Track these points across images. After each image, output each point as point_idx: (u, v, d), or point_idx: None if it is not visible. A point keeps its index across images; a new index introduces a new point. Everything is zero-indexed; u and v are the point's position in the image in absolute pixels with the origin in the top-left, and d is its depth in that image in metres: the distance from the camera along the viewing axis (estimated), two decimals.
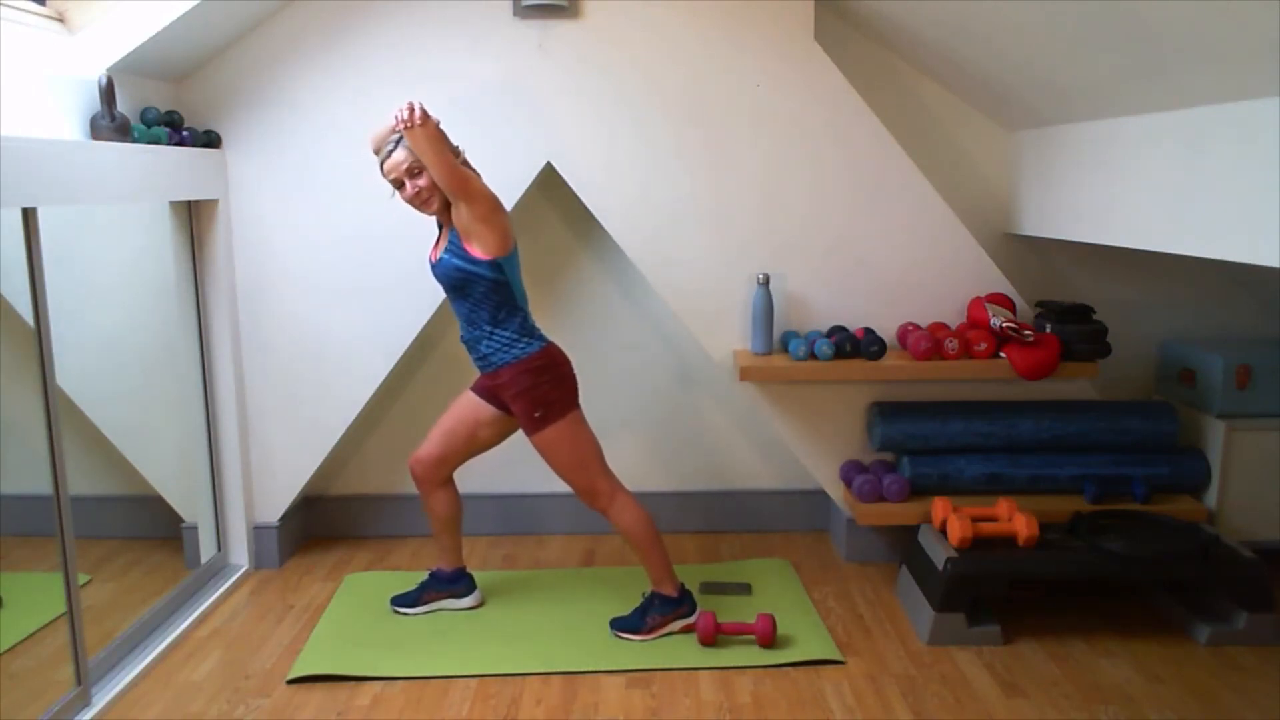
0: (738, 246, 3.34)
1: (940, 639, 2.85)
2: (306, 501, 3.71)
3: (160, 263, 3.18)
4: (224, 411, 3.32)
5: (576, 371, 2.86)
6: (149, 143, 2.86)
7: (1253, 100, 2.14)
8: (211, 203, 3.22)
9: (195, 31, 2.97)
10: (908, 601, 3.06)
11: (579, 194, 3.31)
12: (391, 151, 2.65)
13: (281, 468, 3.42)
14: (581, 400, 2.86)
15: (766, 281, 3.26)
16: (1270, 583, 2.84)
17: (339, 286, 3.33)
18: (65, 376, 2.49)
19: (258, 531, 3.44)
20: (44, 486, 2.42)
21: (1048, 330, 3.26)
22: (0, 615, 2.83)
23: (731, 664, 2.73)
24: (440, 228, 2.82)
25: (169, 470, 3.33)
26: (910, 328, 3.34)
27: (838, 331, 3.32)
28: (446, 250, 2.73)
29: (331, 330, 3.35)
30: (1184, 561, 2.80)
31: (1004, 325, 3.18)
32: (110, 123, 2.72)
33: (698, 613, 2.88)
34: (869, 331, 3.29)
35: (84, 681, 2.51)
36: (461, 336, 2.84)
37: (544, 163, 3.27)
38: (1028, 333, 3.17)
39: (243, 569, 3.40)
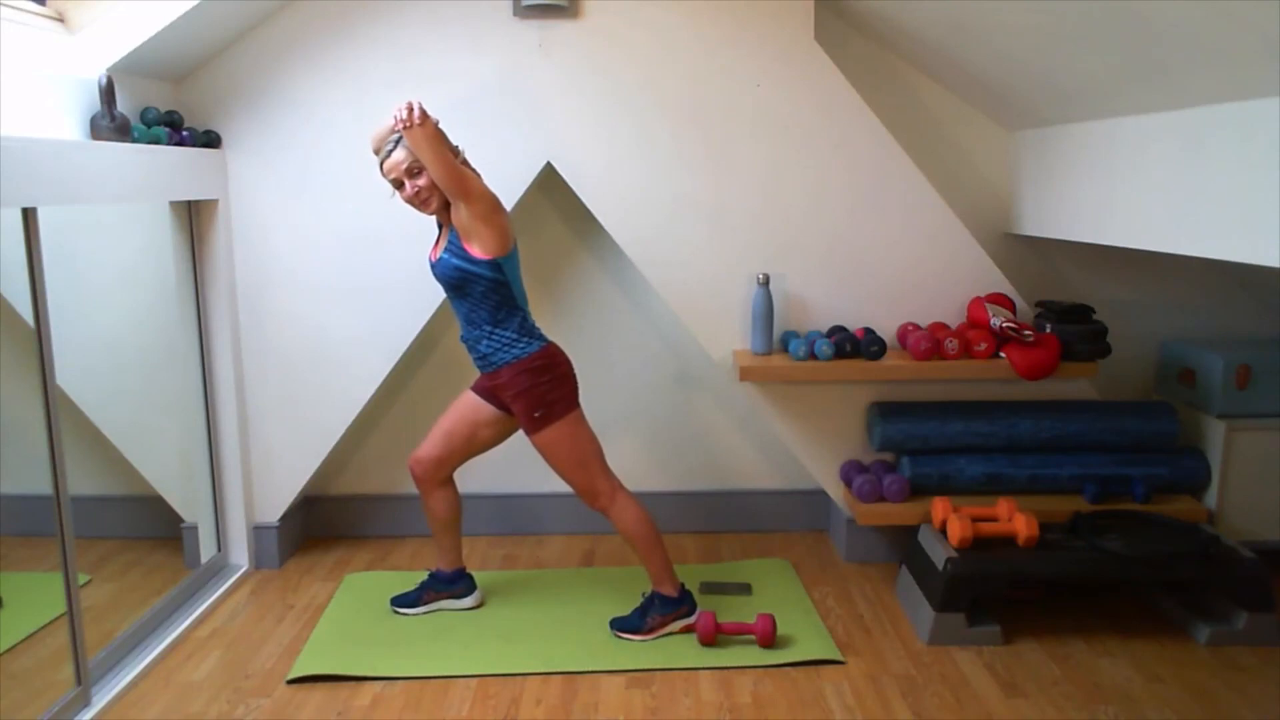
0: (738, 246, 3.34)
1: (940, 639, 2.85)
2: (306, 501, 3.71)
3: (160, 263, 3.18)
4: (224, 411, 3.32)
5: (576, 371, 2.86)
6: (149, 143, 2.86)
7: (1253, 100, 2.14)
8: (211, 203, 3.22)
9: (195, 31, 2.97)
10: (908, 601, 3.06)
11: (579, 194, 3.31)
12: (391, 151, 2.65)
13: (281, 468, 3.42)
14: (581, 400, 2.86)
15: (766, 281, 3.26)
16: (1270, 583, 2.84)
17: (339, 286, 3.33)
18: (65, 376, 2.49)
19: (258, 531, 3.44)
20: (44, 486, 2.42)
21: (1048, 330, 3.26)
22: (0, 615, 2.83)
23: (731, 664, 2.73)
24: (440, 227, 2.82)
25: (169, 470, 3.33)
26: (910, 328, 3.34)
27: (838, 331, 3.32)
28: (446, 250, 2.73)
29: (331, 330, 3.35)
30: (1184, 561, 2.80)
31: (1004, 325, 3.18)
32: (110, 123, 2.73)
33: (698, 613, 2.88)
34: (869, 331, 3.29)
35: (84, 681, 2.51)
36: (461, 336, 2.84)
37: (544, 163, 3.28)
38: (1028, 333, 3.17)
39: (243, 569, 3.40)
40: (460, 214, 2.65)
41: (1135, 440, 3.25)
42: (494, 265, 2.69)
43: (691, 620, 2.89)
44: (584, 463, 2.83)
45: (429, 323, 3.38)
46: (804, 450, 3.45)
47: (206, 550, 3.33)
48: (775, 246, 3.34)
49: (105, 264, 3.19)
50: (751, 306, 3.29)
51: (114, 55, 2.81)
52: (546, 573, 3.39)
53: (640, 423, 3.75)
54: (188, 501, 3.33)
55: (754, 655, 2.77)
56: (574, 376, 2.85)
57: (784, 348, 3.36)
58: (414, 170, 2.65)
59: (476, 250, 2.67)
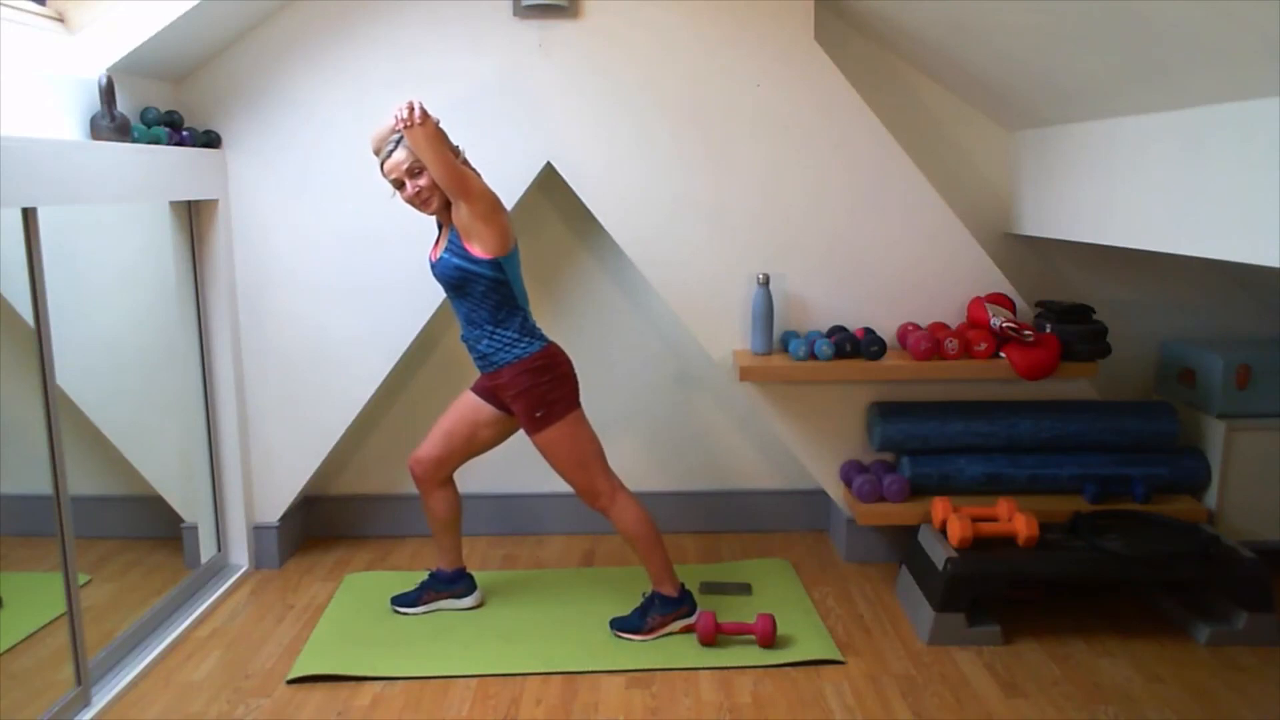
0: (737, 246, 3.34)
1: (940, 639, 2.85)
2: (306, 501, 3.71)
3: (160, 263, 3.18)
4: (224, 411, 3.32)
5: (577, 371, 2.86)
6: (149, 143, 2.86)
7: (1253, 100, 2.14)
8: (211, 203, 3.22)
9: (195, 31, 2.97)
10: (908, 601, 3.06)
11: (579, 194, 3.31)
12: (392, 151, 2.65)
13: (281, 468, 3.42)
14: (582, 400, 2.86)
15: (766, 281, 3.26)
16: (1270, 583, 2.84)
17: (339, 286, 3.33)
18: (65, 376, 2.49)
19: (258, 531, 3.44)
20: (44, 486, 2.42)
21: (1047, 330, 3.26)
22: (0, 615, 2.83)
23: (731, 664, 2.73)
24: (440, 227, 2.82)
25: (169, 470, 3.33)
26: (910, 328, 3.34)
27: (838, 331, 3.32)
28: (446, 249, 2.73)
29: (331, 330, 3.35)
30: (1184, 561, 2.80)
31: (1004, 325, 3.18)
32: (110, 123, 2.72)
33: (698, 613, 2.88)
34: (869, 331, 3.29)
35: (84, 681, 2.51)
36: (461, 336, 2.84)
37: (544, 163, 3.28)
38: (1027, 333, 3.17)
39: (243, 569, 3.40)
40: (461, 213, 2.65)
41: (1135, 440, 3.25)
42: (494, 265, 2.69)
43: (691, 620, 2.89)
44: (585, 463, 2.83)
45: (429, 323, 3.38)
46: (804, 450, 3.45)
47: (206, 550, 3.33)
48: (775, 246, 3.34)
49: (105, 264, 3.19)
50: (751, 306, 3.29)
51: (114, 55, 2.81)
52: (546, 573, 3.39)
53: (640, 423, 3.75)
54: (188, 501, 3.33)
55: (754, 655, 2.77)
56: (575, 376, 2.85)
57: (784, 348, 3.36)
58: (415, 170, 2.65)
59: (477, 250, 2.67)
